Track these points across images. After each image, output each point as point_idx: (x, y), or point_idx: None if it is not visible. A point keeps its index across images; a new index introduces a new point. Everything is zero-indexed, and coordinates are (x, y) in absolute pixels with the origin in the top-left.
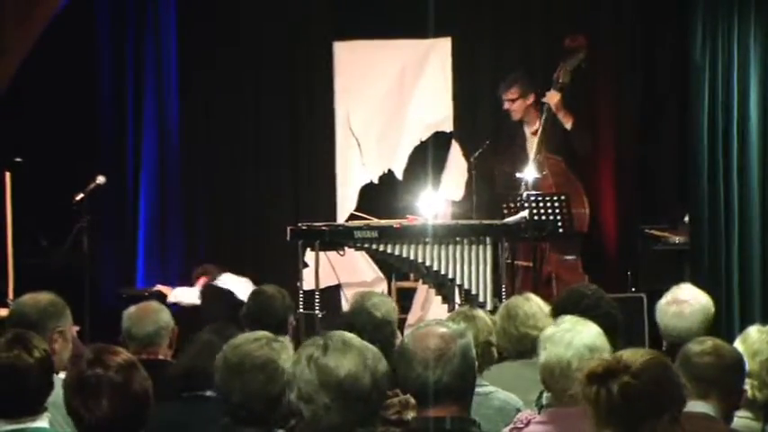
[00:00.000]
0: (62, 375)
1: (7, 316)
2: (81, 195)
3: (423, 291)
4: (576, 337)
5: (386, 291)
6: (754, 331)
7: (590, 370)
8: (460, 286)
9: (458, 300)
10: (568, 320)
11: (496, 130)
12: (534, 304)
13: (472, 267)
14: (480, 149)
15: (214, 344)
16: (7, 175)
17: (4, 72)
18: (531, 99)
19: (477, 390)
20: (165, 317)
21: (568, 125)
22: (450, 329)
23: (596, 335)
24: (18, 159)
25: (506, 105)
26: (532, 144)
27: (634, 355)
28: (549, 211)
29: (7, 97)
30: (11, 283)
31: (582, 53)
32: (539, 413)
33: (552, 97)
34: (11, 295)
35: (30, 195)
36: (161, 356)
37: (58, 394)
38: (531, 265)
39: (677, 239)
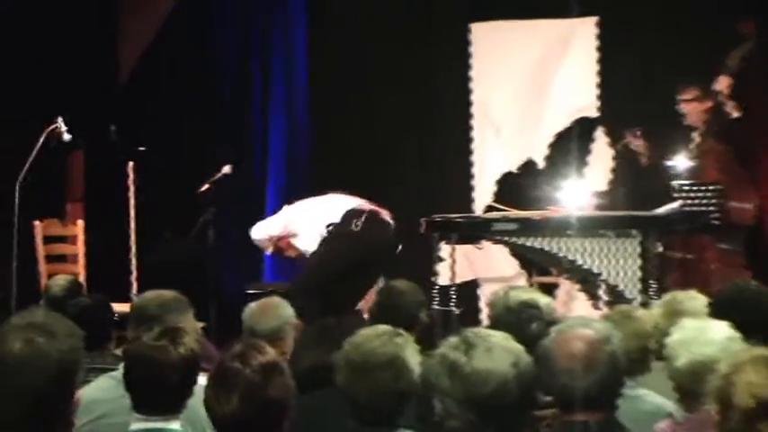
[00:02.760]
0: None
1: (130, 310)
2: (206, 186)
3: (565, 287)
4: (711, 334)
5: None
6: None
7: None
8: (606, 282)
9: (603, 296)
10: (690, 322)
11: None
12: (699, 303)
13: (619, 261)
14: (631, 136)
15: (332, 336)
16: (130, 164)
17: (127, 57)
18: (707, 105)
19: (626, 392)
20: (289, 311)
21: (737, 113)
22: (596, 333)
23: (726, 327)
24: (141, 148)
25: (681, 106)
26: (694, 137)
27: None
28: (704, 201)
29: (130, 84)
30: (134, 277)
31: (752, 40)
32: None
33: (722, 82)
34: (134, 290)
35: (153, 186)
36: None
37: (191, 407)
38: (685, 258)
39: None
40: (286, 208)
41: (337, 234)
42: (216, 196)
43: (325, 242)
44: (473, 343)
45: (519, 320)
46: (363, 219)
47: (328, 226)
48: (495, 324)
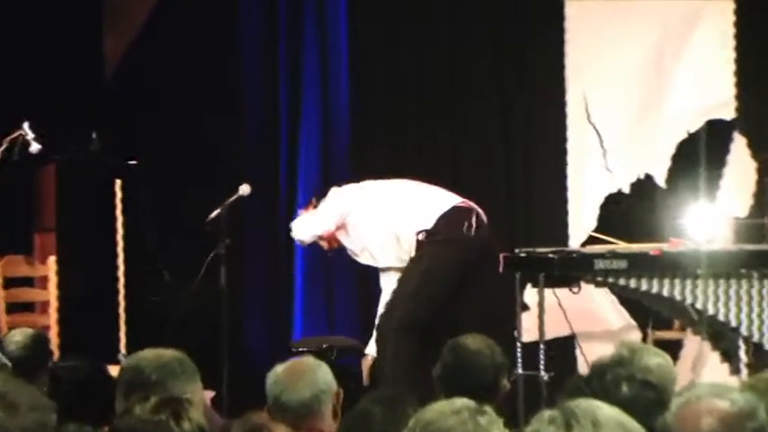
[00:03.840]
0: None
1: (119, 374)
2: (217, 211)
3: (693, 344)
4: None
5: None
6: None
7: None
8: (747, 338)
9: (743, 357)
10: None
11: None
12: None
13: (764, 311)
14: None
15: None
16: (117, 183)
17: (116, 43)
18: None
19: None
20: (325, 377)
21: None
22: (734, 406)
23: None
24: (132, 162)
25: None
26: None
27: None
28: None
29: (120, 77)
30: (123, 331)
31: None
32: None
33: None
34: (123, 348)
35: (147, 212)
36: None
37: None
38: None
39: None
40: (336, 194)
41: (445, 241)
42: (230, 225)
43: (428, 254)
44: (576, 417)
45: (602, 384)
46: (475, 219)
47: (419, 232)
48: (570, 392)
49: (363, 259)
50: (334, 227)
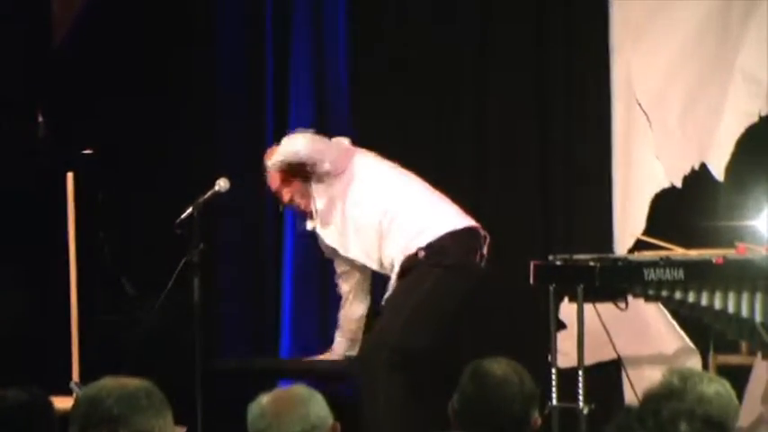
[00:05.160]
0: None
1: (72, 408)
2: (189, 211)
3: (763, 371)
4: None
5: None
6: None
7: None
8: None
9: None
10: None
11: None
12: None
13: None
14: None
15: None
16: (69, 177)
17: (64, 7)
18: None
19: None
20: (319, 410)
21: None
22: None
23: None
24: (87, 152)
25: None
26: None
27: None
28: None
29: (70, 48)
30: (75, 355)
31: None
32: None
33: None
34: (75, 375)
35: (105, 211)
36: None
37: None
38: None
39: None
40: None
41: (456, 267)
42: (204, 226)
43: (434, 277)
44: None
45: (658, 421)
46: (486, 248)
47: (420, 249)
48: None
49: (328, 240)
50: (328, 164)
